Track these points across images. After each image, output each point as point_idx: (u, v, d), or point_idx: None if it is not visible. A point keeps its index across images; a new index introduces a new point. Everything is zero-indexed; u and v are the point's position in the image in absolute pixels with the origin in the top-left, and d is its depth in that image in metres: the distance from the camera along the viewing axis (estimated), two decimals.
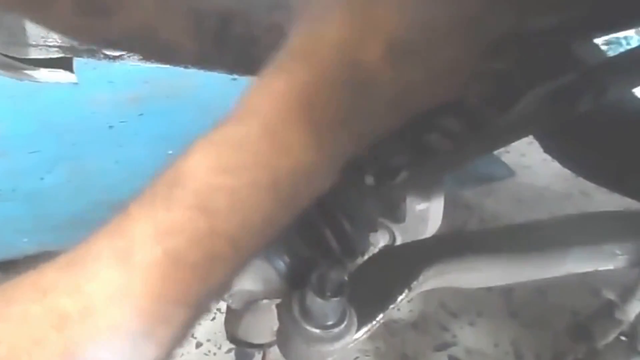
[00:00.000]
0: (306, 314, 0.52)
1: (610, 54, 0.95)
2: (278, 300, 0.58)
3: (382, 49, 0.32)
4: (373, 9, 0.32)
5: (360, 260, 0.63)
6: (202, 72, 1.11)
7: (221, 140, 0.32)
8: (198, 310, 0.32)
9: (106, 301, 0.30)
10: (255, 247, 0.33)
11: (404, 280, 0.60)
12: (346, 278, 0.51)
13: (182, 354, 1.40)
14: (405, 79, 0.33)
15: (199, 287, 0.31)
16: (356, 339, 0.55)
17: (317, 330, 0.51)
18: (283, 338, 0.54)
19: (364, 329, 0.56)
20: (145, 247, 0.30)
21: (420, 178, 0.67)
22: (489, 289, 1.47)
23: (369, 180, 0.61)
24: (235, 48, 0.49)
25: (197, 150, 0.32)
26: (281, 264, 0.56)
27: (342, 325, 0.52)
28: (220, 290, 0.33)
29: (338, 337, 0.52)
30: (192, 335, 1.43)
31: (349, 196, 0.59)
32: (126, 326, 0.30)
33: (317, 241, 0.56)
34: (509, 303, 1.47)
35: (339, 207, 0.57)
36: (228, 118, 0.33)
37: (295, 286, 0.56)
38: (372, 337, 1.39)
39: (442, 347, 1.39)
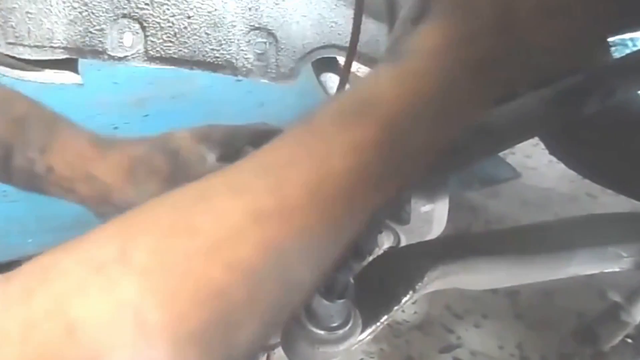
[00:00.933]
0: (311, 315, 0.52)
1: (617, 55, 0.95)
2: None
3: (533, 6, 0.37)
4: None
5: (365, 261, 0.63)
6: (206, 73, 1.11)
7: (402, 70, 0.36)
8: (364, 224, 0.35)
9: (300, 199, 0.31)
10: (417, 171, 0.36)
11: (409, 282, 0.59)
12: (352, 280, 0.51)
13: None
14: (552, 36, 0.37)
15: (377, 199, 0.34)
16: (361, 341, 0.55)
17: (322, 332, 0.51)
18: (288, 339, 0.54)
19: (369, 330, 0.56)
20: (341, 156, 0.32)
21: (425, 179, 0.67)
22: (494, 291, 1.47)
23: None
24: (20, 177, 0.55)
25: (384, 75, 0.36)
26: None
27: (347, 327, 0.52)
28: (387, 205, 0.36)
29: (343, 338, 0.52)
30: None
31: None
32: (318, 229, 0.32)
33: None
34: (515, 305, 1.46)
35: None
36: (402, 56, 0.36)
37: None
38: (376, 339, 1.39)
39: (447, 349, 1.39)
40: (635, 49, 1.85)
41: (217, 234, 0.30)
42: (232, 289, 0.30)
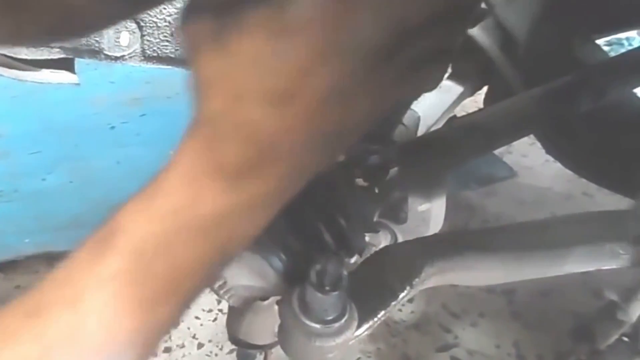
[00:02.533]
0: (306, 309, 0.52)
1: (612, 54, 0.95)
2: (279, 300, 0.58)
3: (258, 98, 0.34)
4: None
5: (360, 257, 0.63)
6: None
7: (150, 190, 0.36)
8: (147, 347, 0.36)
9: (64, 344, 0.33)
10: (193, 285, 0.37)
11: (405, 278, 0.59)
12: (345, 272, 0.51)
13: (184, 355, 1.40)
14: (287, 122, 0.34)
15: (146, 324, 0.35)
16: (357, 336, 0.55)
17: (318, 325, 0.51)
18: (284, 334, 0.54)
19: (366, 326, 0.56)
20: (92, 293, 0.34)
21: (421, 177, 0.67)
22: (491, 290, 1.47)
23: (360, 182, 0.61)
24: None
25: (131, 201, 0.36)
26: (277, 262, 0.56)
27: (343, 321, 0.52)
28: (170, 326, 0.37)
29: (339, 332, 0.52)
30: (194, 336, 1.44)
31: (343, 194, 0.59)
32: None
33: (312, 237, 0.56)
34: (511, 304, 1.47)
35: (333, 204, 0.57)
36: (157, 174, 0.36)
37: (293, 283, 0.56)
38: (373, 338, 1.39)
39: (444, 348, 1.39)
40: (630, 48, 1.86)
41: None
42: None
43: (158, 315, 0.35)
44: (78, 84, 1.11)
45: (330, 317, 0.52)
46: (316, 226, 0.56)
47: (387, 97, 0.35)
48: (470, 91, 1.15)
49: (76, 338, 0.33)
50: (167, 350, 1.41)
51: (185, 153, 0.35)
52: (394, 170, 0.62)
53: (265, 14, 0.31)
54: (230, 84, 0.33)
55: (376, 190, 0.63)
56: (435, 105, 1.11)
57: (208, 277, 0.37)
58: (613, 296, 0.78)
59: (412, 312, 1.46)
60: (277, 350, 0.64)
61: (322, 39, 0.31)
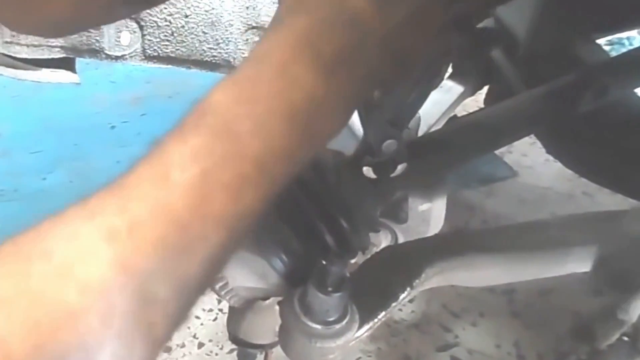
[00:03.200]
0: (308, 309, 0.52)
1: (613, 54, 0.95)
2: (280, 300, 0.58)
3: None
4: None
5: (361, 258, 0.63)
6: (204, 72, 1.11)
7: (239, 78, 0.37)
8: (232, 234, 0.35)
9: (150, 216, 0.32)
10: (279, 175, 0.36)
11: (406, 278, 0.59)
12: (347, 273, 0.51)
13: (184, 354, 1.40)
14: (389, 19, 0.38)
15: (232, 207, 0.34)
16: (358, 337, 0.55)
17: (319, 326, 0.51)
18: (285, 335, 0.54)
19: (366, 327, 0.56)
20: (181, 167, 0.33)
21: (422, 176, 0.67)
22: (491, 290, 1.47)
23: (369, 172, 0.61)
24: None
25: (219, 87, 0.36)
26: (279, 263, 0.56)
27: (344, 322, 0.52)
28: (251, 217, 0.36)
29: (340, 333, 0.52)
30: (194, 336, 1.44)
31: (346, 194, 0.59)
32: (169, 239, 0.32)
33: (314, 239, 0.56)
34: (511, 304, 1.47)
35: (336, 204, 0.57)
36: (242, 64, 0.38)
37: (293, 283, 0.56)
38: (374, 338, 1.39)
39: (444, 347, 1.39)
40: (631, 47, 1.86)
41: (70, 256, 0.31)
42: (87, 312, 0.30)
43: (245, 200, 0.35)
44: (79, 84, 1.11)
45: (331, 318, 0.51)
46: (318, 228, 0.56)
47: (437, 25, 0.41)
48: (471, 91, 1.15)
49: (161, 214, 0.32)
50: (167, 349, 1.41)
51: (275, 40, 0.37)
52: (400, 167, 0.62)
53: None
54: None
55: (379, 187, 0.63)
56: (435, 104, 1.11)
57: (295, 166, 0.37)
58: (614, 296, 0.78)
59: (412, 311, 1.46)
60: (277, 350, 0.64)
61: None
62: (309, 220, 0.56)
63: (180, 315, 0.34)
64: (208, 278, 0.35)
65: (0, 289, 0.30)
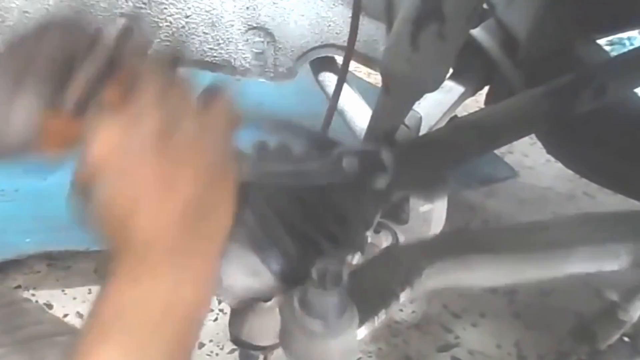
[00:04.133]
0: (307, 307, 0.52)
1: (614, 54, 0.95)
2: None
3: None
4: None
5: (362, 258, 0.63)
6: (204, 72, 1.11)
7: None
8: None
9: None
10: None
11: (406, 279, 0.59)
12: (345, 270, 0.51)
13: None
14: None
15: None
16: (358, 337, 0.55)
17: (319, 325, 0.51)
18: (285, 334, 0.54)
19: (367, 327, 0.56)
20: None
21: (422, 176, 0.67)
22: (492, 290, 1.47)
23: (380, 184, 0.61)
24: None
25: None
26: (275, 264, 0.57)
27: (344, 319, 0.52)
28: None
29: (340, 331, 0.52)
30: None
31: (341, 195, 0.59)
32: None
33: (308, 241, 0.56)
34: (512, 304, 1.47)
35: (328, 208, 0.57)
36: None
37: (288, 283, 0.56)
38: (374, 338, 1.39)
39: (445, 348, 1.39)
40: (631, 47, 1.86)
41: None
42: None
43: None
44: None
45: (331, 317, 0.52)
46: (310, 231, 0.56)
47: None
48: (472, 91, 1.15)
49: None
50: None
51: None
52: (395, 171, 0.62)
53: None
54: None
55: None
56: (436, 105, 1.11)
57: None
58: (614, 296, 0.78)
59: (413, 312, 1.46)
60: (279, 352, 0.64)
61: None
62: (302, 223, 0.56)
63: None
64: None
65: None
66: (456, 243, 0.67)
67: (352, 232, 0.59)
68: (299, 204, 0.56)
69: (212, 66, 1.09)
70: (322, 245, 0.56)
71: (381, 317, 0.57)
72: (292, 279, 0.56)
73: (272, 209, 0.56)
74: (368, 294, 0.58)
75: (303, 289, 0.52)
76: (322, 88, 1.27)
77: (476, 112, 0.89)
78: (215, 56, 1.08)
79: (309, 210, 0.56)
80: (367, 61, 1.16)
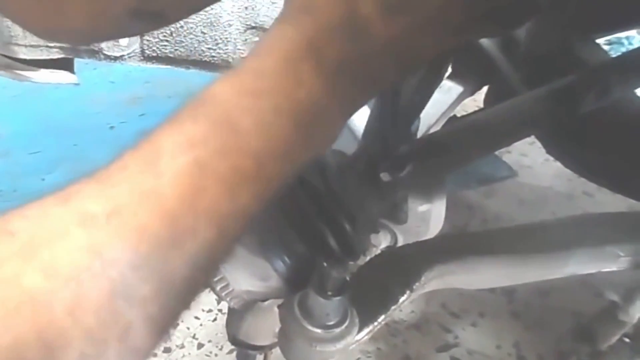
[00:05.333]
0: (308, 313, 0.51)
1: (612, 54, 0.95)
2: (280, 302, 0.57)
3: (375, 2, 0.36)
4: None
5: (361, 260, 0.63)
6: (203, 72, 1.11)
7: (242, 71, 0.34)
8: (223, 233, 0.32)
9: (133, 203, 0.29)
10: (277, 175, 0.34)
11: (406, 282, 0.59)
12: (347, 277, 0.51)
13: (184, 355, 1.40)
14: (396, 29, 0.37)
15: (226, 203, 0.31)
16: (358, 340, 0.55)
17: (319, 330, 0.51)
18: (285, 338, 0.54)
19: (366, 330, 0.56)
20: (173, 154, 0.30)
21: (422, 177, 0.67)
22: (491, 290, 1.47)
23: (384, 175, 0.61)
24: None
25: (220, 79, 0.34)
26: (281, 265, 0.56)
27: (344, 326, 0.52)
28: (245, 217, 0.33)
29: (340, 337, 0.51)
30: (194, 336, 1.43)
31: (350, 198, 0.58)
32: (154, 229, 0.29)
33: (317, 242, 0.56)
34: (511, 304, 1.47)
35: (339, 207, 0.57)
36: (245, 58, 0.36)
37: (295, 287, 0.56)
38: (373, 338, 1.39)
39: (444, 348, 1.39)
40: (630, 47, 1.86)
41: (36, 236, 0.28)
42: (51, 299, 0.26)
43: (240, 197, 0.32)
44: (77, 84, 1.11)
45: (331, 322, 0.51)
46: (321, 231, 0.56)
47: (457, 36, 0.39)
48: (471, 91, 1.14)
49: (146, 202, 0.29)
50: (167, 350, 1.41)
51: (281, 39, 0.35)
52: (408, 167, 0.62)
53: None
54: None
55: (382, 189, 0.63)
56: (435, 105, 1.11)
57: (293, 167, 0.35)
58: (614, 297, 0.78)
59: (412, 312, 1.46)
60: (277, 351, 0.64)
61: None
62: (313, 224, 0.56)
63: (163, 322, 0.30)
64: (195, 282, 0.31)
65: None
66: (456, 245, 0.67)
67: (360, 233, 0.59)
68: (313, 201, 0.56)
69: (211, 66, 1.09)
70: (333, 247, 0.56)
71: (381, 322, 0.57)
72: (299, 281, 0.55)
73: (285, 207, 0.56)
74: (368, 298, 0.57)
75: (304, 294, 0.52)
76: None
77: (477, 112, 0.89)
78: (213, 56, 1.08)
79: (322, 208, 0.56)
80: None
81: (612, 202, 1.47)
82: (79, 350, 0.27)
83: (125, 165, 0.31)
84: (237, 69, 0.35)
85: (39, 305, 0.26)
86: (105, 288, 0.27)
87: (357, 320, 0.53)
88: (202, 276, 0.32)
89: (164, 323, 0.30)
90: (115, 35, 0.51)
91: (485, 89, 1.15)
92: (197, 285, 0.32)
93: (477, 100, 1.30)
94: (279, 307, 0.56)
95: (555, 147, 0.94)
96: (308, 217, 0.56)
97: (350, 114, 0.39)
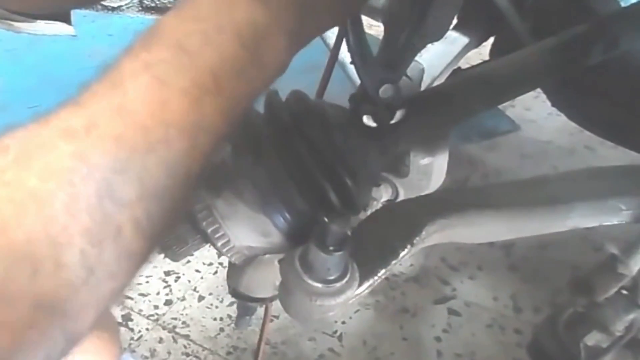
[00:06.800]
0: (308, 268, 0.51)
1: (623, 4, 0.92)
2: (280, 256, 0.58)
3: None
4: None
5: (363, 214, 0.63)
6: None
7: (182, 3, 0.37)
8: (195, 146, 0.34)
9: (107, 117, 0.32)
10: (236, 92, 0.37)
11: (407, 236, 0.59)
12: (348, 232, 0.51)
13: (185, 307, 1.42)
14: None
15: (192, 115, 0.34)
16: (358, 294, 0.55)
17: (319, 285, 0.51)
18: (285, 292, 0.54)
19: (366, 284, 0.56)
20: (134, 74, 0.33)
21: (425, 130, 0.66)
22: (490, 243, 1.48)
23: (368, 120, 0.60)
24: None
25: (165, 14, 0.37)
26: (281, 220, 0.56)
27: (344, 280, 0.52)
28: (214, 132, 0.35)
29: (340, 291, 0.52)
30: (194, 289, 1.45)
31: (352, 152, 0.58)
32: (129, 138, 0.32)
33: (318, 197, 0.55)
34: (509, 257, 1.48)
35: (340, 162, 0.56)
36: None
37: (295, 242, 0.56)
38: (372, 291, 1.40)
39: (442, 300, 1.41)
40: None
41: (27, 149, 0.31)
42: (51, 197, 0.29)
43: (204, 110, 0.34)
44: (75, 36, 1.08)
45: (332, 277, 0.51)
46: (323, 186, 0.55)
47: None
48: (476, 42, 1.12)
49: (119, 116, 0.32)
50: (168, 302, 1.43)
51: None
52: (399, 114, 0.61)
53: None
54: None
55: (384, 142, 0.62)
56: (439, 56, 1.09)
57: (249, 86, 0.38)
58: (614, 250, 0.78)
59: (411, 265, 1.48)
60: (277, 303, 0.64)
61: None
62: (314, 179, 0.55)
63: (151, 228, 0.33)
64: (175, 193, 0.34)
65: None
66: (456, 199, 0.67)
67: (361, 188, 0.58)
68: (314, 156, 0.55)
69: None
70: (333, 202, 0.56)
71: (381, 276, 0.57)
72: (300, 236, 0.55)
73: (285, 162, 0.55)
74: (368, 252, 0.57)
75: (305, 249, 0.52)
76: (323, 39, 1.24)
77: (483, 64, 0.87)
78: None
79: (323, 163, 0.55)
80: (369, 11, 1.13)
81: (614, 156, 1.46)
82: (79, 247, 0.30)
83: (93, 90, 0.33)
84: (179, 2, 0.37)
85: (42, 203, 0.29)
86: (94, 189, 0.30)
87: (357, 275, 0.53)
88: (180, 188, 0.34)
89: (152, 230, 0.33)
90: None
91: (490, 40, 1.13)
92: (177, 196, 0.34)
93: (482, 53, 1.28)
94: (279, 261, 0.56)
95: (561, 99, 0.93)
96: (309, 172, 0.55)
97: (299, 43, 0.40)
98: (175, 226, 0.35)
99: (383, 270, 0.57)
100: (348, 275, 0.52)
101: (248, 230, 0.57)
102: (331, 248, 0.50)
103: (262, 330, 0.98)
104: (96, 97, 0.33)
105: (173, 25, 0.36)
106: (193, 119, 0.34)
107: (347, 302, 0.52)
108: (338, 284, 0.51)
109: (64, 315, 0.30)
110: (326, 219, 0.52)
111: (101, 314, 0.33)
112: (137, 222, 0.32)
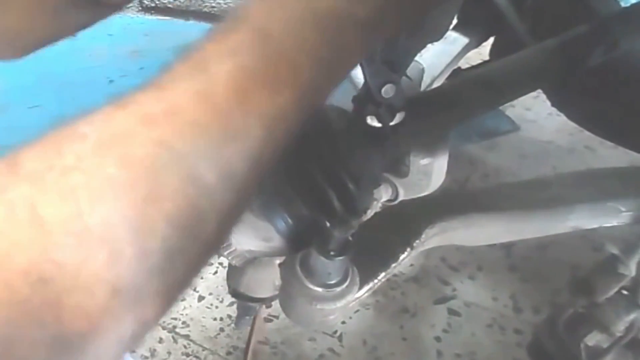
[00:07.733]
0: (309, 272, 0.51)
1: (623, 4, 0.92)
2: (281, 263, 0.57)
3: None
4: None
5: (363, 217, 0.63)
6: (202, 24, 1.09)
7: None
8: (271, 136, 0.34)
9: (188, 102, 0.31)
10: (312, 83, 0.36)
11: (406, 239, 0.59)
12: (350, 237, 0.50)
13: (185, 307, 1.42)
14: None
15: (270, 105, 0.34)
16: (358, 298, 0.55)
17: (320, 289, 0.51)
18: (285, 296, 0.54)
19: (366, 288, 0.56)
20: (220, 59, 0.33)
21: (425, 131, 0.66)
22: (490, 244, 1.48)
23: (372, 121, 0.60)
24: None
25: (250, 1, 0.37)
26: (283, 226, 0.56)
27: (345, 285, 0.52)
28: (287, 122, 0.35)
29: (340, 295, 0.52)
30: (194, 289, 1.45)
31: (354, 157, 0.57)
32: (209, 126, 0.31)
33: (319, 201, 0.55)
34: (509, 257, 1.48)
35: (342, 165, 0.56)
36: None
37: (297, 247, 0.55)
38: (372, 291, 1.41)
39: (442, 300, 1.41)
40: None
41: (105, 136, 0.30)
42: (132, 186, 0.29)
43: (281, 100, 0.34)
44: (74, 35, 1.08)
45: (332, 281, 0.51)
46: (325, 191, 0.55)
47: None
48: (476, 42, 1.12)
49: (201, 101, 0.31)
50: None
51: None
52: (399, 115, 0.61)
53: None
54: None
55: (386, 145, 0.62)
56: (439, 56, 1.09)
57: (326, 77, 0.37)
58: (614, 250, 0.78)
59: (411, 265, 1.48)
60: (276, 304, 0.64)
61: None
62: (316, 184, 0.55)
63: (229, 215, 0.33)
64: (250, 181, 0.34)
65: (31, 167, 0.28)
66: (456, 202, 0.67)
67: (363, 192, 0.58)
68: (317, 162, 0.55)
69: (211, 17, 1.07)
70: (335, 207, 0.56)
71: (381, 279, 0.57)
72: (301, 241, 0.55)
73: (288, 168, 0.55)
74: (368, 255, 0.57)
75: (306, 253, 0.52)
76: None
77: (483, 65, 0.87)
78: (213, 7, 1.06)
79: (326, 169, 0.55)
80: None
81: (614, 156, 1.46)
82: (161, 237, 0.29)
83: (175, 72, 0.33)
84: None
85: (121, 191, 0.28)
86: (177, 176, 0.30)
87: (357, 279, 0.53)
88: (255, 176, 0.34)
89: (229, 218, 0.33)
90: (55, 34, 0.49)
91: (490, 40, 1.13)
92: (250, 185, 0.34)
93: (482, 53, 1.28)
94: (280, 265, 0.56)
95: (561, 99, 0.93)
96: (312, 178, 0.55)
97: (378, 38, 0.40)
98: (241, 217, 0.35)
99: (383, 274, 0.57)
100: (348, 280, 0.52)
101: (250, 234, 0.57)
102: (332, 253, 0.50)
103: (251, 330, 0.99)
104: (177, 81, 0.32)
105: (257, 12, 0.36)
106: (270, 110, 0.34)
107: (347, 305, 0.52)
108: (339, 288, 0.51)
109: (138, 302, 0.29)
110: (328, 224, 0.51)
111: (173, 304, 0.33)
112: (219, 210, 0.32)
